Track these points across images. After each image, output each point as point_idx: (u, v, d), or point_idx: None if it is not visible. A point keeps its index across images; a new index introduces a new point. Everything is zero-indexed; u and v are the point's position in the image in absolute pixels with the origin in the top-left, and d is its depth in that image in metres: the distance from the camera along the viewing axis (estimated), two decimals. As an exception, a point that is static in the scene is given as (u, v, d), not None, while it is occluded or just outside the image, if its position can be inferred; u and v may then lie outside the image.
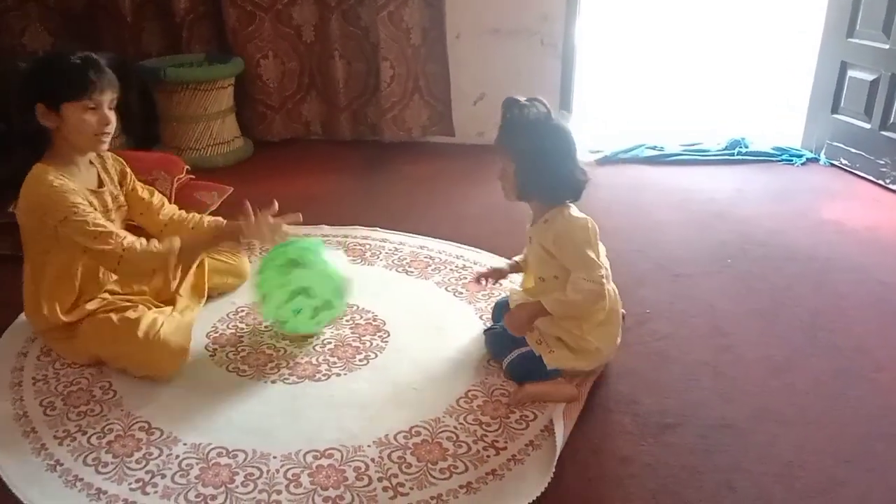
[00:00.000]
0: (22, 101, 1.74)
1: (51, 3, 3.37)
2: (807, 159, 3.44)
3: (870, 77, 3.16)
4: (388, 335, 2.01)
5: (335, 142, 3.73)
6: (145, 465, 1.53)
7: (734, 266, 2.44)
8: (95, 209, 1.80)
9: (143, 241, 1.77)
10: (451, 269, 2.38)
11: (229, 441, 1.60)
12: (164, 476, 1.51)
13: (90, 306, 1.86)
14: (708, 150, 3.54)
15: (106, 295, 1.89)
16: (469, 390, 1.78)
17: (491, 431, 1.63)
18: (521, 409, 1.70)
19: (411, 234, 2.63)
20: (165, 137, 3.44)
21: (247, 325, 2.06)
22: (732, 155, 3.49)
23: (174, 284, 1.99)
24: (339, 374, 1.84)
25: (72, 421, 1.67)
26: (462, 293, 2.23)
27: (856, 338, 2.02)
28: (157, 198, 2.03)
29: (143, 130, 3.46)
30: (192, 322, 1.96)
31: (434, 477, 1.50)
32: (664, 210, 2.91)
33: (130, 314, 1.82)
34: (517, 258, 1.96)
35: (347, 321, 2.06)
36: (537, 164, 1.66)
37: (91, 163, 1.89)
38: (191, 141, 3.37)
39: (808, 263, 2.46)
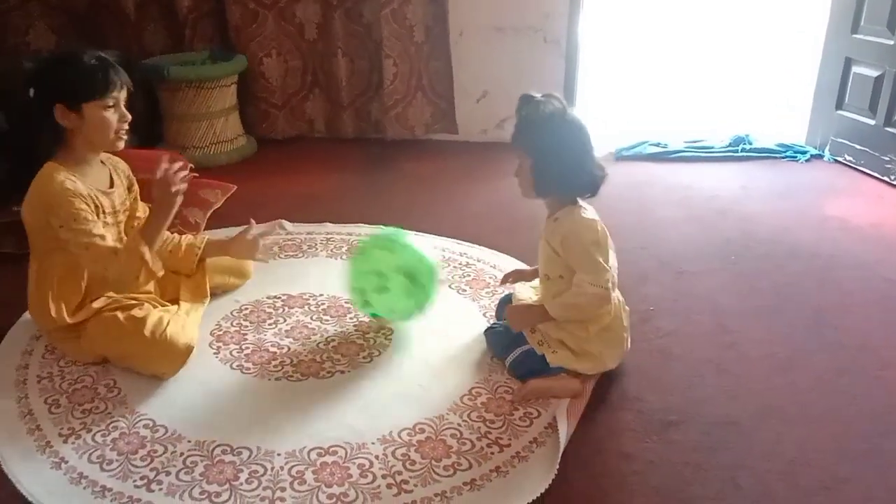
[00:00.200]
0: (39, 102, 1.73)
1: (54, 2, 3.37)
2: (811, 156, 3.44)
3: (874, 73, 3.15)
4: (392, 332, 2.01)
5: (338, 140, 3.73)
6: (150, 463, 1.54)
7: (738, 263, 2.43)
8: (104, 211, 1.82)
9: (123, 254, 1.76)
10: (454, 267, 2.38)
11: (234, 438, 1.60)
12: (168, 473, 1.51)
13: (96, 304, 1.86)
14: (712, 147, 3.54)
15: (111, 293, 1.90)
16: (473, 387, 1.78)
17: (495, 428, 1.63)
18: (525, 405, 1.70)
19: (414, 232, 2.62)
20: (169, 136, 3.45)
21: (250, 322, 2.06)
22: (736, 152, 3.49)
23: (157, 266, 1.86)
24: (343, 372, 1.84)
25: (76, 418, 1.68)
26: (466, 290, 2.24)
27: (860, 335, 2.02)
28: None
29: (146, 129, 3.46)
30: (197, 320, 1.96)
31: (438, 474, 1.51)
32: (668, 207, 2.90)
33: (136, 313, 1.82)
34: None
35: (351, 318, 2.07)
36: (553, 160, 1.66)
37: (102, 163, 1.90)
38: (194, 139, 3.38)
39: (812, 260, 2.45)
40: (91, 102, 1.74)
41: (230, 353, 1.93)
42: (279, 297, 2.19)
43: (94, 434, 1.62)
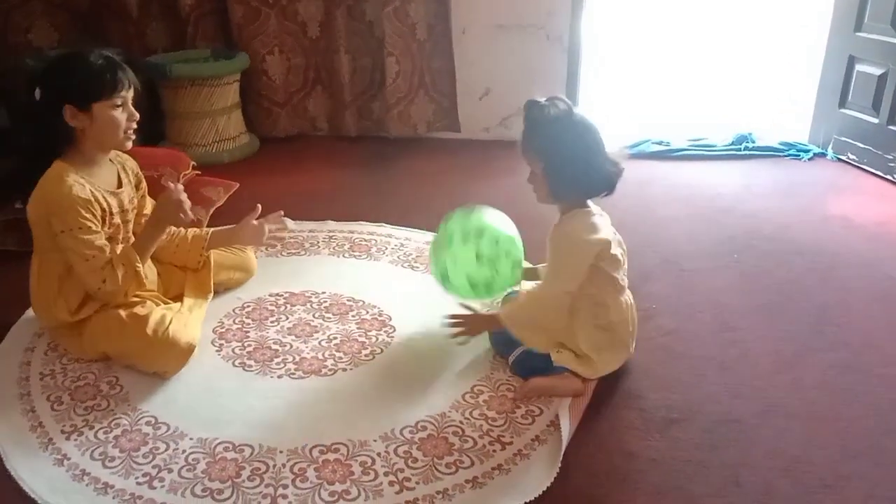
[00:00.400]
0: (48, 103, 1.73)
1: (56, 0, 3.38)
2: (814, 154, 3.43)
3: (878, 71, 3.14)
4: (394, 330, 2.01)
5: (340, 137, 3.72)
6: (152, 460, 1.54)
7: (741, 261, 2.43)
8: (112, 211, 1.82)
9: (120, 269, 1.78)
10: (456, 265, 2.37)
11: (236, 436, 1.61)
12: (170, 470, 1.51)
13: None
14: (714, 145, 3.53)
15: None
16: (475, 385, 1.78)
17: (497, 426, 1.63)
18: (527, 403, 1.70)
19: (417, 230, 2.63)
20: (171, 133, 3.45)
21: (252, 320, 2.06)
22: (739, 150, 3.48)
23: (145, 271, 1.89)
24: (345, 370, 1.85)
25: (79, 416, 1.68)
26: (468, 288, 2.23)
27: (863, 333, 2.01)
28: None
29: (148, 127, 3.46)
30: (199, 318, 1.96)
31: (440, 471, 1.51)
32: (670, 205, 2.90)
33: (139, 310, 1.82)
34: None
35: (353, 316, 2.07)
36: (565, 161, 1.65)
37: (110, 161, 1.90)
38: (196, 137, 3.38)
39: (815, 258, 2.45)
40: (100, 102, 1.74)
41: (232, 350, 1.93)
42: (281, 295, 2.19)
43: (97, 431, 1.63)
